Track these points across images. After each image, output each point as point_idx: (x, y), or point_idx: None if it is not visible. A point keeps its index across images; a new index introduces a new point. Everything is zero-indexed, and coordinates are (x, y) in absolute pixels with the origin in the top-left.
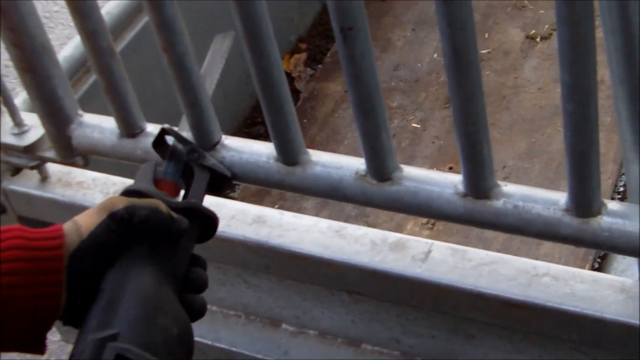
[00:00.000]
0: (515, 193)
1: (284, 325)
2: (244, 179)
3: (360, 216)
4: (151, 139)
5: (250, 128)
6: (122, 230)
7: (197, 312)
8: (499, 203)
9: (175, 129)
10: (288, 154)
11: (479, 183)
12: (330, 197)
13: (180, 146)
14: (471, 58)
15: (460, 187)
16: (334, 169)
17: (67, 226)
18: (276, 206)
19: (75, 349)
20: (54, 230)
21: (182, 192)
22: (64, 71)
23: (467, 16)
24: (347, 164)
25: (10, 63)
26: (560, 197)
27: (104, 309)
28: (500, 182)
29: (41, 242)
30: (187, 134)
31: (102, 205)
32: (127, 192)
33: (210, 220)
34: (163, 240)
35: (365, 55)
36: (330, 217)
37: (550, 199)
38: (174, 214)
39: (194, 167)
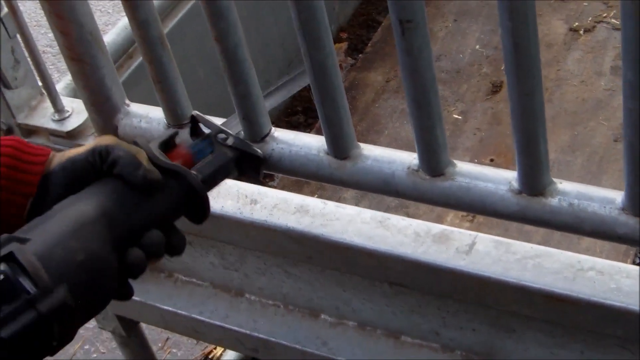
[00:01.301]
0: (571, 191)
1: (323, 316)
2: (294, 172)
3: (400, 207)
4: None
5: (290, 117)
6: (97, 164)
7: (129, 265)
8: (554, 201)
9: (214, 119)
10: (339, 148)
11: (534, 180)
12: (381, 192)
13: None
14: (532, 53)
15: (515, 184)
16: (386, 164)
17: (58, 153)
18: (315, 195)
19: None
20: (45, 150)
21: None
22: (111, 60)
23: (530, 9)
24: (399, 159)
25: (48, 49)
26: (617, 196)
27: (39, 220)
28: (555, 180)
29: (28, 156)
30: (236, 128)
31: (94, 140)
32: (132, 142)
33: (195, 193)
34: (133, 188)
35: (423, 48)
36: (370, 207)
37: (607, 198)
38: (148, 165)
39: (215, 146)
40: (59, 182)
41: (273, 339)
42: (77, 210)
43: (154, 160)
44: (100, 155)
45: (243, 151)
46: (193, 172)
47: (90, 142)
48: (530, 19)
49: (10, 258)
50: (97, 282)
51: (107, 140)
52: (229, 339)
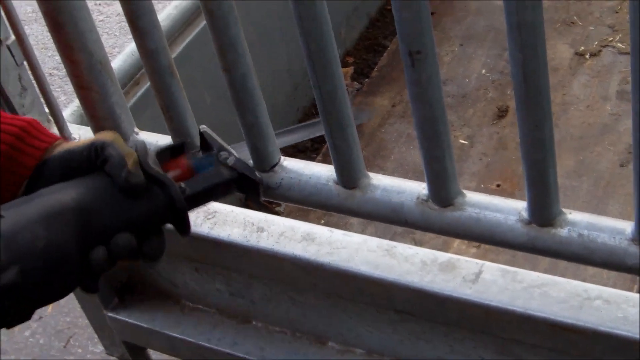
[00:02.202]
0: (581, 221)
1: (330, 343)
2: (303, 201)
3: (406, 233)
4: None
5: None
6: (92, 158)
7: (91, 262)
8: (563, 231)
9: (228, 145)
10: (348, 177)
11: (544, 210)
12: (391, 222)
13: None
14: (542, 84)
15: (524, 215)
16: (395, 194)
17: (64, 142)
18: (322, 222)
19: None
20: (52, 137)
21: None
22: (120, 88)
23: (540, 41)
24: (409, 189)
25: (55, 72)
26: (627, 226)
27: (20, 200)
28: (564, 210)
29: (33, 139)
30: (244, 157)
31: (96, 135)
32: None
33: (175, 206)
34: (118, 188)
35: (433, 79)
36: (377, 233)
37: (616, 228)
38: (134, 169)
39: (214, 164)
40: (54, 170)
41: None
42: (55, 198)
43: (143, 166)
44: (96, 150)
45: (242, 173)
46: (182, 185)
47: (92, 136)
48: (540, 50)
49: None
50: (53, 271)
51: (106, 136)
52: None
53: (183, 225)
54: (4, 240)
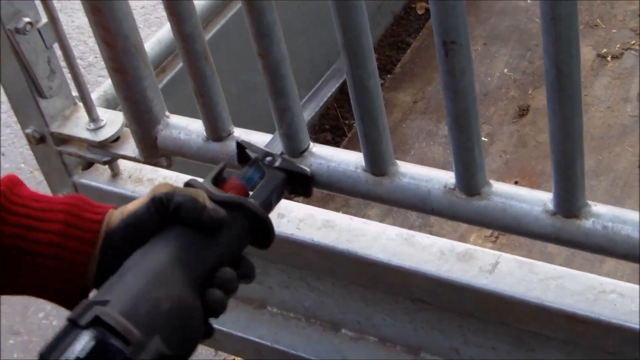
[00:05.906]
0: (606, 213)
1: (343, 330)
2: (331, 187)
3: (424, 226)
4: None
5: (317, 134)
6: (160, 213)
7: (210, 307)
8: (588, 223)
9: (257, 134)
10: (377, 165)
11: (569, 202)
12: (417, 209)
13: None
14: (574, 77)
15: (550, 205)
16: (423, 182)
17: (116, 209)
18: (340, 212)
19: None
20: (103, 207)
21: None
22: (153, 73)
23: (574, 35)
24: (436, 177)
25: (78, 61)
26: None
27: (112, 280)
28: (590, 202)
29: (88, 213)
30: (277, 147)
31: (150, 191)
32: (184, 184)
33: (258, 218)
34: (198, 229)
35: (466, 70)
36: (394, 225)
37: None
38: (210, 204)
39: (266, 171)
40: (124, 238)
41: (293, 352)
42: (150, 261)
43: (213, 197)
44: (161, 203)
45: (291, 171)
46: (250, 200)
47: (145, 194)
48: (574, 44)
49: (97, 322)
50: (187, 327)
51: (164, 188)
52: (248, 350)
53: (269, 235)
54: (128, 318)
